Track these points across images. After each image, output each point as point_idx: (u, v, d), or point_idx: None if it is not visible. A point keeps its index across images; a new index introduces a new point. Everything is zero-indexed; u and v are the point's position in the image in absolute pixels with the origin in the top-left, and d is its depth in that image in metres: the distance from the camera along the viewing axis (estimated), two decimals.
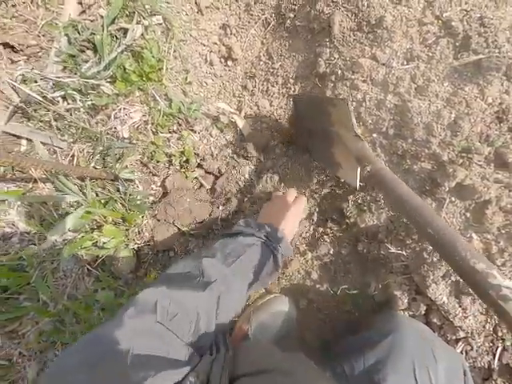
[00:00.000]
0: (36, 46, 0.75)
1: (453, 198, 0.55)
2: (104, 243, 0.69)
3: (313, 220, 0.76)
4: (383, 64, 0.61)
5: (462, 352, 0.55)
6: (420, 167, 0.58)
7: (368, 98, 0.62)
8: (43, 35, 0.76)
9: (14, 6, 0.77)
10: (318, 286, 0.73)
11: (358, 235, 0.69)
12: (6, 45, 0.75)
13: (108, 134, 0.73)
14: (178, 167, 0.78)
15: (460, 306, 0.54)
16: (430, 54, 0.58)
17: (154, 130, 0.75)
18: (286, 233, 0.58)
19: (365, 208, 0.65)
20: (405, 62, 0.60)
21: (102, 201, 0.70)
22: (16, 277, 0.68)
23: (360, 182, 0.56)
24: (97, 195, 0.72)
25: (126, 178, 0.71)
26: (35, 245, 0.72)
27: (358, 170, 0.55)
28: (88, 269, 0.74)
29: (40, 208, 0.73)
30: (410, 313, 0.59)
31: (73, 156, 0.75)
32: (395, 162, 0.61)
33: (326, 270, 0.73)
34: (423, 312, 0.58)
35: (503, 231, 0.52)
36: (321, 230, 0.75)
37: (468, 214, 0.55)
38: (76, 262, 0.74)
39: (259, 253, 0.53)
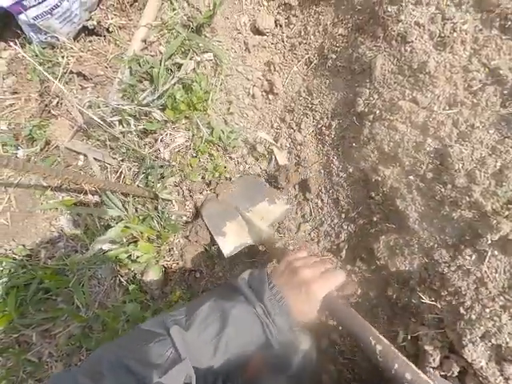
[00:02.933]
0: (103, 75, 0.86)
1: (496, 252, 0.51)
2: (137, 257, 0.73)
3: (341, 256, 0.74)
4: (424, 107, 0.61)
5: None
6: (460, 215, 0.55)
7: (406, 140, 0.62)
8: (110, 67, 0.87)
9: (90, 41, 0.90)
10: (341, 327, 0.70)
11: (389, 279, 0.66)
12: (79, 74, 0.87)
13: (152, 155, 0.79)
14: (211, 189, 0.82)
15: (502, 375, 0.49)
16: (475, 101, 0.56)
17: (193, 154, 0.81)
18: (294, 312, 0.46)
19: (397, 251, 0.63)
20: (447, 107, 0.59)
21: (141, 217, 0.75)
22: (58, 280, 0.74)
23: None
24: (136, 211, 0.77)
25: (164, 198, 0.76)
26: (77, 251, 0.78)
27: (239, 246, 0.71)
28: (120, 280, 0.78)
29: (86, 218, 0.80)
30: (442, 373, 0.54)
31: (120, 173, 0.82)
32: (432, 207, 0.59)
33: None
34: (456, 373, 0.52)
35: None
36: (348, 267, 0.73)
37: None
38: (110, 273, 0.78)
39: (248, 330, 0.44)
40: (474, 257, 0.53)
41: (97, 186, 0.71)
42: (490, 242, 0.51)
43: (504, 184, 0.51)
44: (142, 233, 0.72)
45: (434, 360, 0.55)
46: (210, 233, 0.76)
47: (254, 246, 0.77)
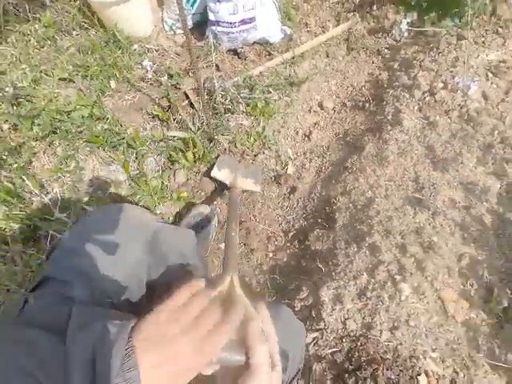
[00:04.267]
0: (228, 74, 1.43)
1: (368, 252, 0.88)
2: (180, 160, 1.16)
3: (288, 236, 1.11)
4: (377, 175, 1.05)
5: (314, 338, 0.78)
6: (360, 228, 0.93)
7: (358, 187, 1.04)
8: (234, 73, 1.44)
9: (233, 58, 1.50)
10: None
11: (305, 255, 1.01)
12: (217, 66, 1.45)
13: (225, 119, 1.28)
14: None
15: (332, 308, 0.80)
16: (400, 183, 1.00)
17: (247, 133, 1.28)
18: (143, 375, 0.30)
19: (320, 238, 1.00)
20: (387, 181, 1.02)
21: (201, 140, 1.21)
22: None
23: None
24: (200, 139, 1.23)
25: (218, 139, 1.22)
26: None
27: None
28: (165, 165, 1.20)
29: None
30: (303, 303, 0.86)
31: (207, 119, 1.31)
32: (350, 223, 0.97)
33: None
34: (309, 303, 0.84)
35: None
36: (288, 244, 1.09)
37: None
38: (159, 163, 1.21)
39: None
40: (355, 249, 0.89)
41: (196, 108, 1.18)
42: (366, 243, 0.88)
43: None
44: (194, 146, 1.16)
45: (302, 294, 0.87)
46: (215, 163, 1.17)
47: (227, 188, 1.16)
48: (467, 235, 0.92)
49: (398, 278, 0.81)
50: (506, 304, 0.82)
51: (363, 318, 0.78)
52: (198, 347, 0.33)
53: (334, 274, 0.87)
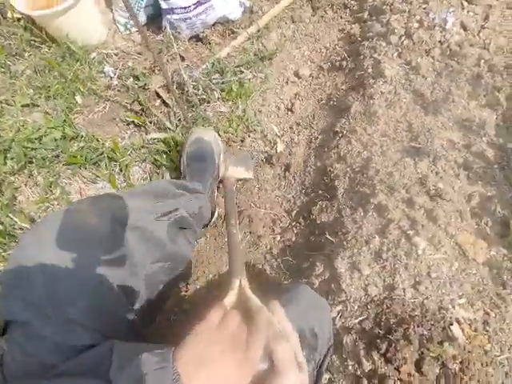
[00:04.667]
0: (195, 62, 1.36)
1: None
2: (162, 163, 1.12)
3: (291, 215, 1.08)
4: (368, 134, 1.00)
5: (339, 311, 0.76)
6: (363, 190, 0.90)
7: (353, 149, 1.00)
8: (200, 60, 1.37)
9: (196, 44, 1.42)
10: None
11: (313, 230, 0.98)
12: (181, 56, 1.37)
13: (203, 109, 1.23)
14: None
15: (351, 278, 0.78)
16: (394, 136, 0.96)
17: (228, 120, 1.22)
18: None
19: (324, 210, 0.97)
20: (380, 136, 0.98)
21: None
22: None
23: None
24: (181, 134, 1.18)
25: None
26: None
27: None
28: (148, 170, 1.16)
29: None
30: (320, 278, 0.84)
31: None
32: (352, 187, 0.94)
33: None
34: (327, 277, 0.82)
35: None
36: (294, 223, 1.06)
37: None
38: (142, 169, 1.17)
39: None
40: (362, 213, 0.86)
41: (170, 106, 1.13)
42: (372, 205, 0.85)
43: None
44: (176, 145, 1.12)
45: (318, 270, 0.85)
46: None
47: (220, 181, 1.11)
48: (472, 174, 0.89)
49: (410, 232, 0.78)
50: None
51: (384, 281, 0.75)
52: (240, 362, 0.34)
53: (345, 243, 0.84)
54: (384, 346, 0.67)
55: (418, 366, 0.64)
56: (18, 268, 0.47)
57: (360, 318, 0.73)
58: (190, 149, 1.01)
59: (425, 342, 0.66)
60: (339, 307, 0.76)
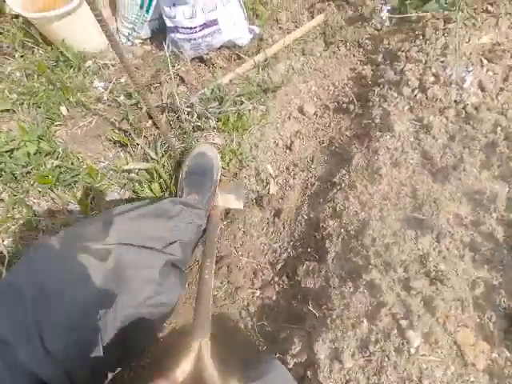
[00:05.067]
0: (195, 86, 1.28)
1: (364, 291, 0.75)
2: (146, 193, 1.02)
3: (275, 269, 0.98)
4: (369, 194, 0.91)
5: None
6: (356, 261, 0.80)
7: (350, 207, 0.91)
8: (201, 84, 1.29)
9: (199, 65, 1.35)
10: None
11: (296, 293, 0.88)
12: (181, 78, 1.29)
13: (195, 140, 1.14)
14: None
15: (330, 369, 0.67)
16: (396, 201, 0.87)
17: (222, 155, 1.14)
18: None
19: (310, 274, 0.87)
20: (381, 199, 0.89)
21: (166, 168, 1.06)
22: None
23: None
24: (163, 166, 1.08)
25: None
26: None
27: None
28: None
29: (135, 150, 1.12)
30: (296, 359, 0.73)
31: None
32: (343, 253, 0.84)
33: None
34: (303, 360, 0.71)
35: None
36: (276, 279, 0.95)
37: None
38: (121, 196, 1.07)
39: None
40: (351, 289, 0.76)
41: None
42: (364, 281, 0.75)
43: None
44: (159, 177, 1.02)
45: (295, 349, 0.74)
46: None
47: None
48: (479, 256, 0.80)
49: (404, 323, 0.68)
50: None
51: (368, 379, 0.65)
52: None
53: (329, 321, 0.74)
54: None
55: None
56: (8, 285, 0.48)
57: None
58: (192, 162, 1.02)
59: None
60: None
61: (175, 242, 0.70)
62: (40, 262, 0.51)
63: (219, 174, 1.05)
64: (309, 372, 0.69)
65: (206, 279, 0.78)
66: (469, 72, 1.02)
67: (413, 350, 0.65)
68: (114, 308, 0.53)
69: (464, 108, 0.97)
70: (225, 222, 1.08)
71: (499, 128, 0.95)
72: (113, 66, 1.35)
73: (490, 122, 0.96)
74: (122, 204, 1.05)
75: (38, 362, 0.44)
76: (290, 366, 0.73)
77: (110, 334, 0.52)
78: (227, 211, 1.11)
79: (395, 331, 0.68)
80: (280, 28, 1.44)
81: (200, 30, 1.21)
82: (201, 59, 1.35)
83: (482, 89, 1.03)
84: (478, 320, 0.72)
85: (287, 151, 1.23)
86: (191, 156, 1.03)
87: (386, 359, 0.65)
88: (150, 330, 0.68)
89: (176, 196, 1.00)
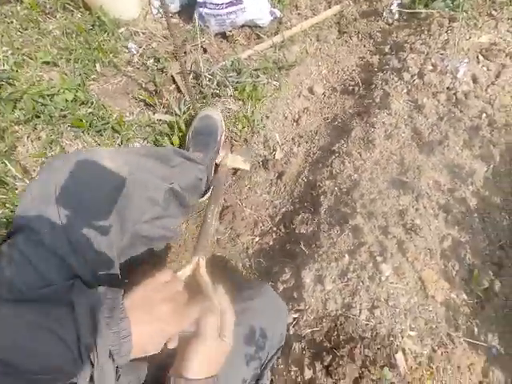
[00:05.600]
0: (216, 57, 1.40)
1: (349, 232, 0.87)
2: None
3: (274, 220, 1.11)
4: (363, 159, 1.04)
5: (295, 318, 0.79)
6: (344, 210, 0.93)
7: (344, 170, 1.04)
8: (223, 57, 1.41)
9: (221, 41, 1.47)
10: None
11: (291, 238, 1.01)
12: (204, 49, 1.42)
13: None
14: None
15: (313, 290, 0.81)
16: (385, 166, 0.99)
17: (235, 118, 1.26)
18: (135, 350, 0.39)
19: (304, 222, 1.00)
20: (372, 163, 1.02)
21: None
22: None
23: None
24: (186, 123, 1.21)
25: None
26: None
27: None
28: None
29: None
30: (285, 285, 0.86)
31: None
32: (334, 205, 0.97)
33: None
34: (291, 285, 0.84)
35: None
36: (274, 228, 1.08)
37: None
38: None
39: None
40: (338, 231, 0.89)
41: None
42: (349, 226, 0.88)
43: None
44: (180, 130, 1.15)
45: (285, 277, 0.87)
46: None
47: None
48: (451, 218, 0.92)
49: (379, 259, 0.81)
50: (486, 285, 0.82)
51: (343, 299, 0.78)
52: (175, 314, 0.43)
53: (316, 256, 0.87)
54: (328, 359, 0.69)
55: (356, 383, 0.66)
56: (45, 185, 0.51)
57: (313, 329, 0.76)
58: (198, 124, 1.11)
59: (368, 363, 0.68)
60: (296, 315, 0.79)
61: (174, 183, 0.73)
62: (60, 166, 0.54)
63: (223, 135, 1.16)
64: (295, 293, 0.83)
65: (208, 219, 0.92)
66: (463, 64, 1.14)
67: (383, 278, 0.78)
68: (123, 219, 0.57)
69: (455, 94, 1.09)
70: (233, 178, 1.21)
71: (484, 115, 1.08)
72: (143, 33, 1.47)
73: (477, 108, 1.08)
74: None
75: (62, 246, 0.48)
76: (280, 290, 0.86)
77: (117, 240, 0.57)
78: (235, 170, 1.23)
79: (371, 264, 0.81)
80: (299, 14, 1.56)
81: (226, 7, 1.34)
82: (223, 35, 1.48)
83: (475, 80, 1.15)
84: (442, 267, 0.85)
85: (294, 124, 1.35)
86: (198, 118, 1.12)
87: (361, 284, 0.78)
88: (150, 246, 0.72)
89: None
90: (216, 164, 1.13)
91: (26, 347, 0.37)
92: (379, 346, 0.71)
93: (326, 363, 0.69)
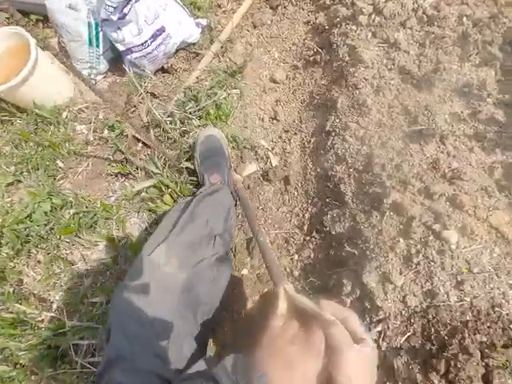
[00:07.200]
0: (166, 96, 1.31)
1: (391, 213, 0.77)
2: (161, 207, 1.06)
3: (303, 230, 1.01)
4: (363, 127, 0.93)
5: (380, 331, 0.69)
6: (373, 191, 0.82)
7: (351, 147, 0.93)
8: (171, 91, 1.32)
9: (163, 76, 1.37)
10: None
11: (331, 242, 0.91)
12: (152, 93, 1.32)
13: (187, 144, 1.17)
14: None
15: (385, 292, 0.70)
16: (391, 123, 0.88)
17: None
18: None
19: (336, 220, 0.89)
20: (376, 127, 0.90)
21: (171, 179, 1.10)
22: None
23: None
24: (167, 176, 1.12)
25: (187, 167, 1.11)
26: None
27: None
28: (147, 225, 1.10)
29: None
30: (351, 297, 0.76)
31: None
32: (359, 188, 0.86)
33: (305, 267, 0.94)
34: (358, 296, 0.74)
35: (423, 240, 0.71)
36: (307, 238, 0.98)
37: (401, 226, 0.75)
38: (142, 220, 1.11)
39: None
40: (378, 217, 0.78)
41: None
42: (387, 205, 0.77)
43: (400, 171, 0.79)
44: (167, 187, 1.06)
45: (346, 288, 0.77)
46: None
47: None
48: (487, 143, 0.81)
49: (437, 227, 0.70)
50: None
51: (422, 287, 0.68)
52: (304, 352, 0.38)
53: (368, 252, 0.76)
54: (442, 365, 0.59)
55: (487, 381, 0.56)
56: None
57: (406, 335, 0.66)
58: (202, 147, 1.07)
59: (486, 350, 0.58)
60: (379, 327, 0.69)
61: (215, 237, 0.74)
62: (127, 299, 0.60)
63: (229, 150, 1.13)
64: (366, 303, 0.72)
65: (261, 240, 0.81)
66: None
67: (453, 246, 0.67)
68: (196, 312, 0.65)
69: (424, 13, 0.97)
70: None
71: (465, 18, 0.95)
72: (86, 108, 1.39)
73: (454, 15, 0.96)
74: (143, 228, 1.10)
75: (154, 365, 0.54)
76: (348, 305, 0.76)
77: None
78: (244, 181, 1.14)
79: (431, 237, 0.70)
80: (224, 12, 1.45)
81: (152, 43, 1.24)
82: (163, 70, 1.38)
83: None
84: (507, 200, 0.73)
85: (274, 122, 1.25)
86: (199, 142, 1.08)
87: (433, 264, 0.67)
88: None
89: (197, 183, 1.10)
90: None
91: None
92: (489, 324, 0.60)
93: (442, 371, 0.58)
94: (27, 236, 1.06)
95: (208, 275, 0.70)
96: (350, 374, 0.35)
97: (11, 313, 1.00)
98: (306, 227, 1.01)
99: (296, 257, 0.99)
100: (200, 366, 0.51)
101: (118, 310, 0.59)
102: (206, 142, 1.07)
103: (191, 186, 1.12)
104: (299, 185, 1.08)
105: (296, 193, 1.08)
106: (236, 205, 1.06)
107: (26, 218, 1.06)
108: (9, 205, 1.13)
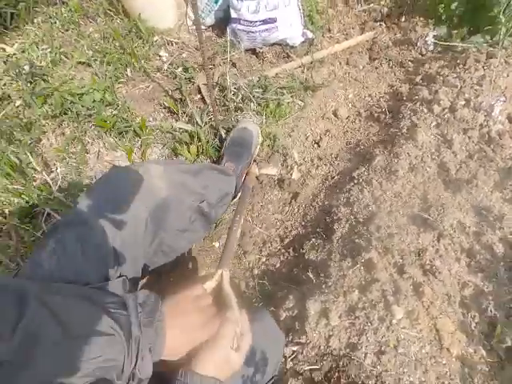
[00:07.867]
0: (244, 72, 1.41)
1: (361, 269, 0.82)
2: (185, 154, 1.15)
3: (283, 242, 1.07)
4: (383, 190, 0.99)
5: (294, 352, 0.73)
6: (358, 242, 0.88)
7: (361, 200, 0.99)
8: (250, 72, 1.42)
9: (250, 56, 1.48)
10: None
11: (299, 263, 0.96)
12: (233, 63, 1.43)
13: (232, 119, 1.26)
14: None
15: (317, 323, 0.75)
16: (407, 200, 0.94)
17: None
18: (166, 350, 0.45)
19: (315, 248, 0.95)
20: (392, 195, 0.97)
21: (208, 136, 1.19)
22: None
23: None
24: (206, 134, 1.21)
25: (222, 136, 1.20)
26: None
27: None
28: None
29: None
30: (288, 313, 0.81)
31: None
32: (348, 235, 0.93)
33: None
34: (294, 314, 0.80)
35: None
36: (283, 250, 1.04)
37: None
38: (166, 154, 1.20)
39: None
40: (350, 263, 0.84)
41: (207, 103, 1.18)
42: (362, 259, 0.83)
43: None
44: (199, 140, 1.15)
45: (288, 304, 0.83)
46: None
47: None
48: (474, 263, 0.85)
49: (391, 299, 0.75)
50: (509, 343, 0.74)
51: (349, 338, 0.72)
52: (204, 324, 0.50)
53: (324, 286, 0.82)
54: None
55: None
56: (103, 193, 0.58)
57: (312, 367, 0.70)
58: (234, 134, 1.16)
59: None
60: (295, 348, 0.74)
61: (204, 201, 0.78)
62: (116, 179, 0.62)
63: (257, 148, 1.20)
64: (297, 324, 0.78)
65: (233, 230, 0.90)
66: (499, 102, 1.09)
67: (394, 321, 0.72)
68: (158, 227, 0.65)
69: (488, 132, 1.04)
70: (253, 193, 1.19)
71: None
72: (176, 43, 1.51)
73: (511, 149, 1.02)
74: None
75: (107, 247, 0.54)
76: (282, 318, 0.82)
77: (146, 245, 0.63)
78: (261, 181, 1.21)
79: (382, 304, 0.75)
80: (330, 37, 1.56)
81: (259, 25, 1.35)
82: (253, 51, 1.49)
83: (510, 120, 1.09)
84: (461, 317, 0.78)
85: (315, 145, 1.33)
86: (236, 129, 1.17)
87: (369, 324, 0.72)
88: (168, 258, 0.76)
89: (213, 161, 1.16)
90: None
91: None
92: None
93: None
94: (69, 109, 1.17)
95: (185, 215, 0.72)
96: (214, 362, 0.46)
97: (18, 159, 1.09)
98: (286, 241, 1.07)
99: (264, 259, 1.05)
100: (117, 286, 0.51)
101: (107, 181, 0.60)
102: (240, 131, 1.16)
103: (216, 153, 1.21)
104: (303, 206, 1.15)
105: (296, 210, 1.15)
106: (235, 197, 1.08)
107: (77, 94, 1.17)
108: (71, 77, 1.24)
